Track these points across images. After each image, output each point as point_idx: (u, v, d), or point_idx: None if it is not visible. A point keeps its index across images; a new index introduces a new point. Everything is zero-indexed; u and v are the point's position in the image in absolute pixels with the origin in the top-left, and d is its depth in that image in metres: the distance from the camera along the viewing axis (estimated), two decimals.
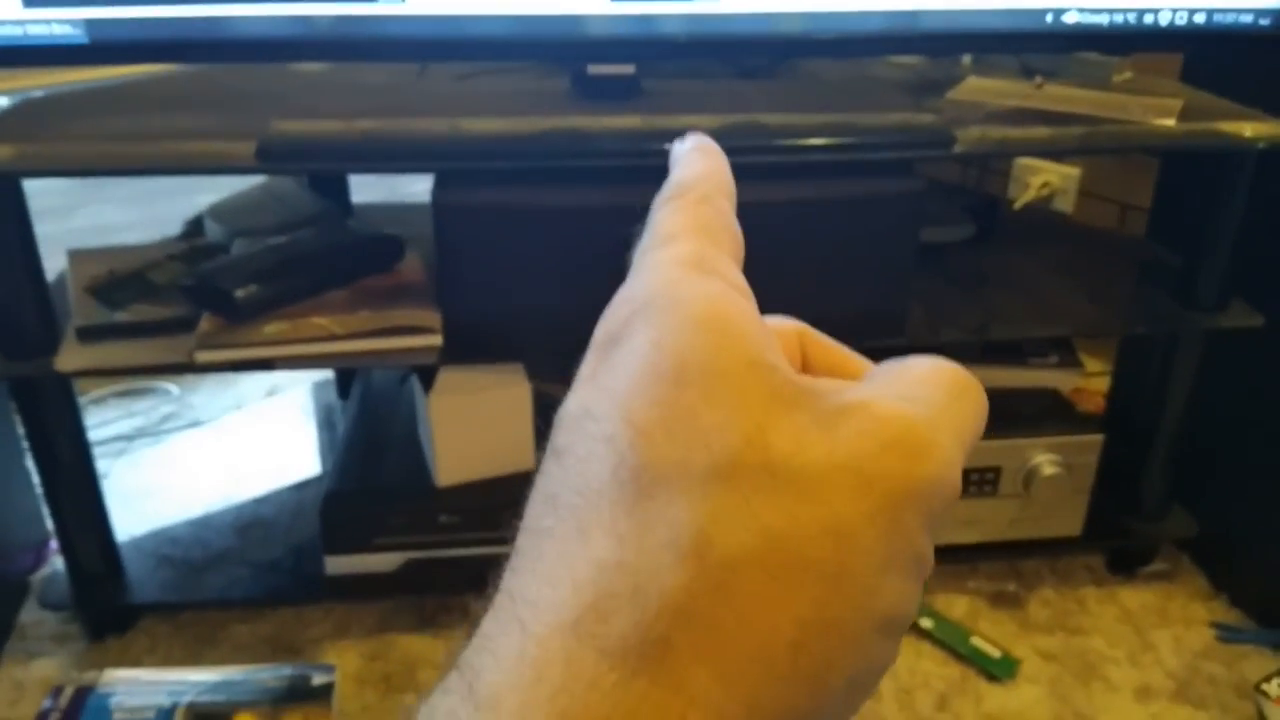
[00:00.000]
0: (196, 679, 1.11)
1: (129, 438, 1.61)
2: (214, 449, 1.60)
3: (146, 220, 2.07)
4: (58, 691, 1.09)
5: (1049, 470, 1.23)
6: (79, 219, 2.26)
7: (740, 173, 0.28)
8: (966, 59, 1.31)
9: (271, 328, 1.06)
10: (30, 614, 1.27)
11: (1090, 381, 1.47)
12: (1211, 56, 1.22)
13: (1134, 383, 1.38)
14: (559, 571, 0.20)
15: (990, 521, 1.27)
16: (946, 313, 1.18)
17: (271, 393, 1.74)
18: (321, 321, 1.07)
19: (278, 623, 1.26)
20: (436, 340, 1.08)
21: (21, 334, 1.07)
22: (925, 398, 0.22)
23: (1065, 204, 1.53)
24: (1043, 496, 1.24)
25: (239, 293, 1.06)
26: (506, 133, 1.02)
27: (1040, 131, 1.06)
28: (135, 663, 1.20)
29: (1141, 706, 1.17)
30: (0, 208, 1.02)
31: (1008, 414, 1.23)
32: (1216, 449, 1.32)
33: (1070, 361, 1.33)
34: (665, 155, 0.29)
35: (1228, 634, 1.26)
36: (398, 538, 1.21)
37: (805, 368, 0.27)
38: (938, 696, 1.17)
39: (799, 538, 0.19)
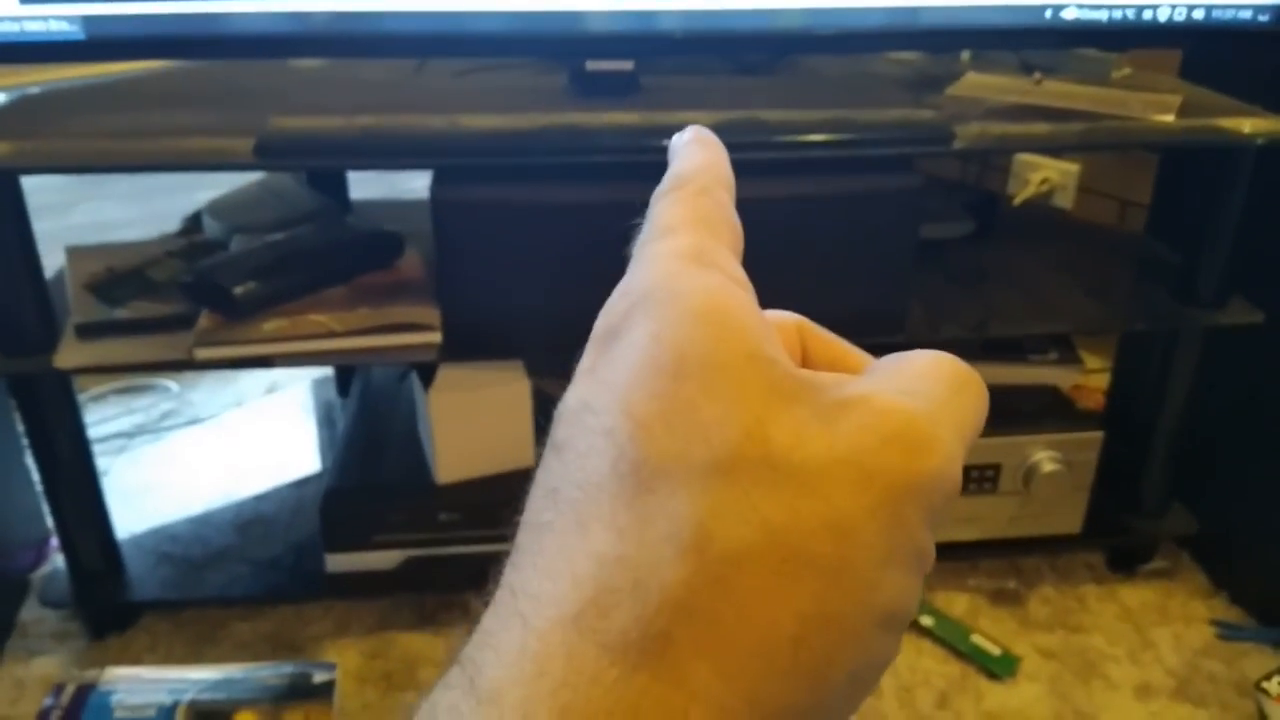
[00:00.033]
0: (197, 677, 1.11)
1: (129, 435, 1.61)
2: (214, 446, 1.60)
3: (145, 217, 2.06)
4: (59, 689, 1.09)
5: (1049, 467, 1.23)
6: (77, 216, 2.25)
7: (739, 169, 0.28)
8: (966, 55, 1.30)
9: (271, 325, 1.06)
10: (31, 612, 1.27)
11: (1090, 378, 1.47)
12: (1210, 52, 1.22)
13: (1134, 380, 1.38)
14: (559, 566, 0.20)
15: (990, 519, 1.27)
16: (946, 310, 1.18)
17: (271, 390, 1.74)
18: (321, 318, 1.06)
19: (278, 620, 1.26)
20: (436, 337, 1.08)
21: (20, 331, 1.07)
22: (926, 392, 0.22)
23: (1065, 200, 1.53)
24: (1042, 494, 1.24)
25: (238, 290, 1.06)
26: (505, 129, 1.02)
27: (1039, 128, 1.06)
28: (136, 661, 1.19)
29: (1141, 704, 1.17)
30: None
31: (1007, 411, 1.23)
32: (1216, 446, 1.32)
33: (1070, 358, 1.33)
34: (664, 151, 0.29)
35: (1228, 632, 1.26)
36: (398, 535, 1.21)
37: (805, 361, 0.27)
38: (938, 694, 1.17)
39: (800, 532, 0.19)
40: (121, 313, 1.11)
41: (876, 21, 1.02)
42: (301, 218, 1.26)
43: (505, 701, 0.19)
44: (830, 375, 0.22)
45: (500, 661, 0.19)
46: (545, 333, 1.09)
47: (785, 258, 0.99)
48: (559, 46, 1.07)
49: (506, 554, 0.22)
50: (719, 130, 0.29)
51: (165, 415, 1.67)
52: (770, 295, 0.24)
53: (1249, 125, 1.06)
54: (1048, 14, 1.03)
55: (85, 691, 1.09)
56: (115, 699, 1.08)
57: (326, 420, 1.63)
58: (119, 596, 1.25)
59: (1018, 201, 1.47)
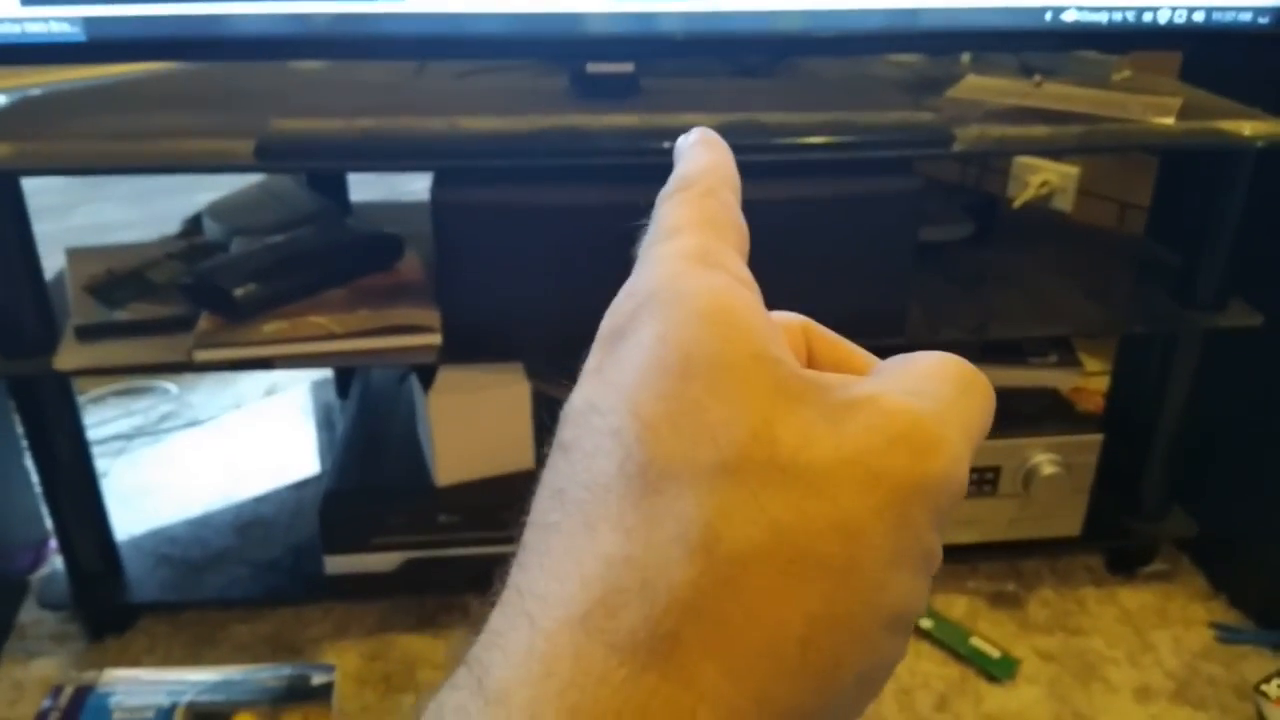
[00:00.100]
0: (196, 679, 1.11)
1: (128, 437, 1.61)
2: (213, 448, 1.60)
3: (145, 219, 2.06)
4: (57, 691, 1.09)
5: (1048, 470, 1.23)
6: (77, 217, 2.25)
7: (739, 171, 0.28)
8: (965, 57, 1.31)
9: (270, 327, 1.06)
10: (29, 613, 1.27)
11: (1089, 381, 1.47)
12: (1211, 55, 1.22)
13: (1133, 382, 1.38)
14: (567, 566, 0.20)
15: (990, 521, 1.27)
16: (945, 312, 1.18)
17: (270, 392, 1.74)
18: (320, 320, 1.06)
19: (277, 622, 1.26)
20: (435, 339, 1.08)
21: (20, 333, 1.07)
22: (932, 393, 0.22)
23: (1064, 203, 1.53)
24: (1042, 496, 1.24)
25: (238, 291, 1.06)
26: (505, 131, 1.02)
27: (1039, 130, 1.06)
28: (135, 662, 1.19)
29: (1141, 707, 1.17)
30: None
31: (1007, 413, 1.22)
32: (1216, 448, 1.32)
33: (1069, 361, 1.33)
34: (664, 153, 0.29)
35: (1227, 634, 1.26)
36: (397, 537, 1.21)
37: (810, 362, 0.27)
38: (937, 697, 1.17)
39: (807, 533, 0.19)
40: (121, 314, 1.11)
41: (876, 24, 1.03)
42: (301, 220, 1.26)
43: (513, 702, 0.19)
44: (836, 376, 0.22)
45: (508, 662, 0.19)
46: (545, 335, 1.09)
47: (785, 260, 0.99)
48: (559, 48, 1.07)
49: (512, 554, 0.22)
50: (719, 132, 0.29)
51: (164, 417, 1.67)
52: (770, 297, 0.24)
53: (1249, 128, 1.06)
54: (1048, 16, 1.03)
55: (84, 693, 1.09)
56: (114, 701, 1.08)
57: (326, 422, 1.63)
58: (118, 598, 1.25)
59: (1017, 204, 1.47)
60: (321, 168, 1.29)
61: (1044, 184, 1.51)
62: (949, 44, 1.19)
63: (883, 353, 0.26)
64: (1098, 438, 1.25)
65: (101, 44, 0.95)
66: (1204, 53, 1.22)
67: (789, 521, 0.19)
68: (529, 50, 1.10)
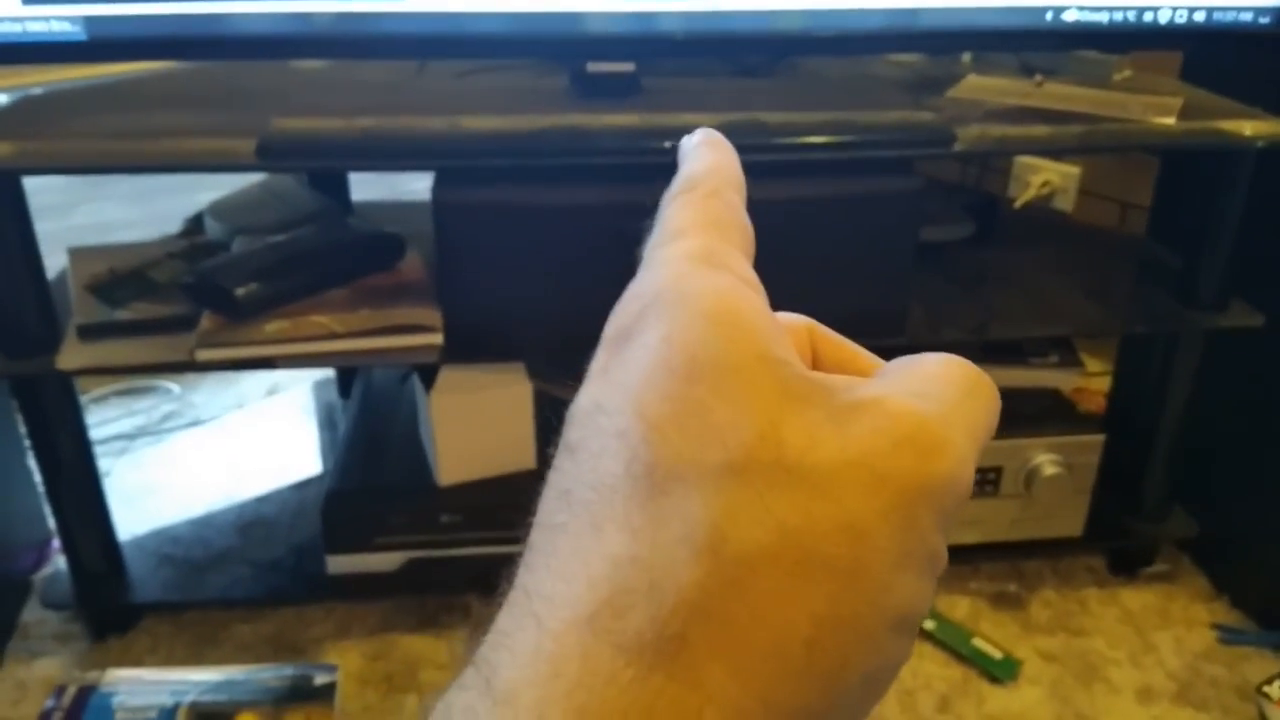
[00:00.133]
0: (199, 678, 1.11)
1: (130, 436, 1.61)
2: (215, 448, 1.60)
3: (147, 218, 2.07)
4: (60, 691, 1.09)
5: (1050, 470, 1.23)
6: (79, 217, 2.25)
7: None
8: (966, 57, 1.31)
9: (272, 326, 1.06)
10: (32, 613, 1.27)
11: (1091, 381, 1.47)
12: (1211, 55, 1.22)
13: (1135, 382, 1.38)
14: (573, 567, 0.20)
15: (991, 522, 1.27)
16: (946, 312, 1.18)
17: (272, 391, 1.74)
18: (322, 320, 1.06)
19: (279, 622, 1.26)
20: (437, 339, 1.08)
21: (22, 332, 1.07)
22: (938, 394, 0.22)
23: (1065, 203, 1.53)
24: (1044, 497, 1.24)
25: (240, 291, 1.06)
26: (506, 130, 1.02)
27: (1040, 130, 1.06)
28: (137, 662, 1.19)
29: (1143, 708, 1.17)
30: (0, 205, 1.02)
31: (1008, 414, 1.20)
32: (1217, 449, 1.32)
33: (1071, 361, 1.33)
34: (665, 153, 0.29)
35: (1229, 635, 1.26)
36: (399, 537, 1.21)
37: (814, 363, 0.27)
38: (939, 698, 1.17)
39: (813, 534, 0.19)
40: (123, 314, 1.11)
41: (876, 23, 1.03)
42: (303, 219, 1.26)
43: (520, 702, 0.19)
44: (842, 378, 0.22)
45: (515, 662, 0.19)
46: (547, 334, 1.09)
47: (785, 259, 0.99)
48: (560, 48, 1.07)
49: (518, 555, 0.22)
50: (720, 132, 0.29)
51: (167, 417, 1.67)
52: (771, 296, 0.24)
53: (1250, 128, 1.06)
54: (1048, 16, 1.03)
55: (86, 693, 1.09)
56: (116, 700, 1.08)
57: (328, 422, 1.63)
58: (120, 598, 1.25)
59: (1018, 204, 1.47)
60: (323, 167, 1.29)
61: (1045, 184, 1.51)
62: (949, 44, 1.19)
63: (884, 353, 0.27)
64: (1099, 438, 1.25)
65: (102, 43, 0.95)
66: (1204, 53, 1.22)
67: (795, 523, 0.19)
68: (529, 50, 1.10)
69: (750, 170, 0.28)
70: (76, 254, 1.23)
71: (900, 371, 0.23)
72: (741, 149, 0.28)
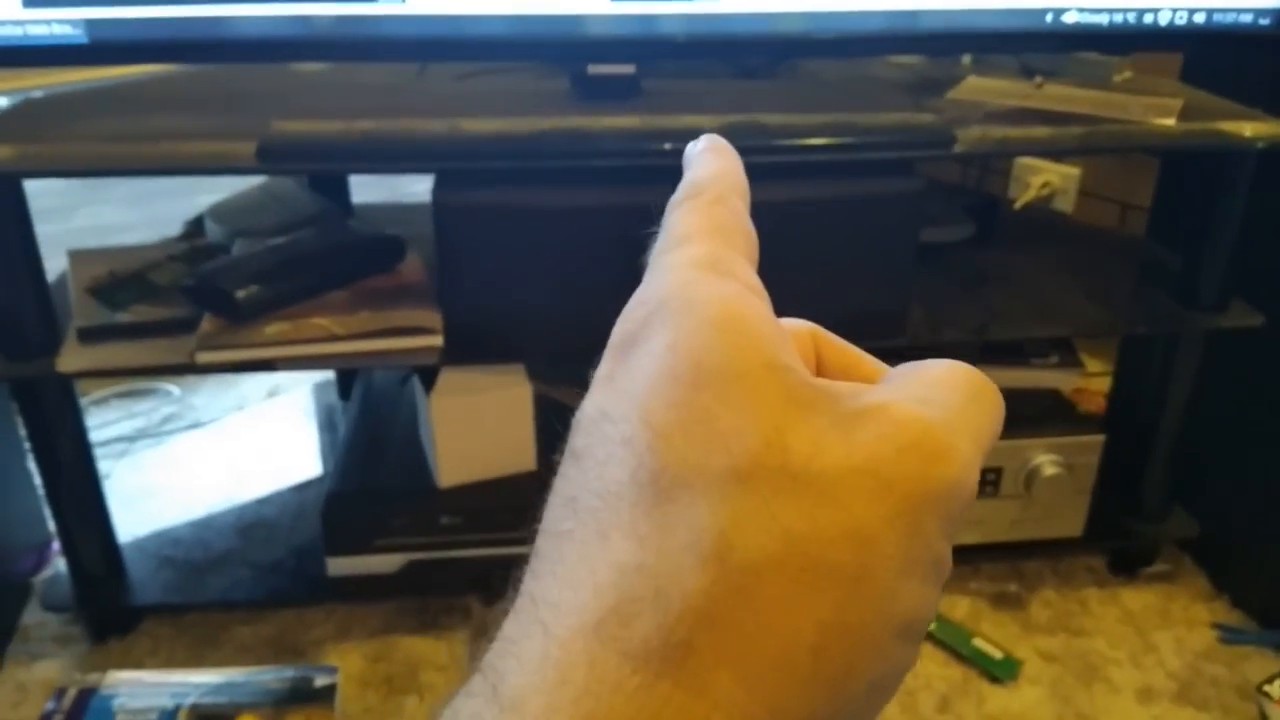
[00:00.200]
0: (199, 680, 1.11)
1: (130, 439, 1.61)
2: (215, 450, 1.60)
3: (147, 221, 2.07)
4: (60, 693, 1.09)
5: (1050, 471, 1.23)
6: (79, 219, 2.26)
7: None
8: (966, 59, 1.31)
9: (272, 328, 1.06)
10: (33, 616, 1.27)
11: (1091, 382, 1.47)
12: (1211, 56, 1.22)
13: (1135, 383, 1.38)
14: (580, 574, 0.20)
15: (992, 522, 1.27)
16: (946, 313, 1.18)
17: (273, 394, 1.74)
18: (322, 322, 1.07)
19: (280, 624, 1.26)
20: (437, 341, 1.08)
21: (22, 335, 1.07)
22: (942, 400, 0.22)
23: (1065, 204, 1.53)
24: (1044, 497, 1.24)
25: (240, 293, 1.06)
26: (506, 133, 1.02)
27: (1040, 131, 1.06)
28: (138, 664, 1.19)
29: (1143, 708, 1.17)
30: (1, 208, 1.02)
31: (1009, 414, 1.22)
32: (1217, 449, 1.32)
33: (1071, 361, 1.33)
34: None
35: (1230, 635, 1.26)
36: (399, 539, 1.21)
37: (819, 369, 0.27)
38: (939, 698, 1.17)
39: (819, 541, 0.19)
40: (123, 316, 1.11)
41: (877, 25, 1.03)
42: (303, 221, 1.26)
43: (528, 709, 0.19)
44: (847, 384, 0.22)
45: (522, 669, 0.19)
46: (547, 336, 1.09)
47: (786, 261, 0.99)
48: (561, 50, 1.07)
49: (522, 559, 0.22)
50: (720, 134, 0.29)
51: (167, 419, 1.67)
52: (772, 299, 0.24)
53: (1250, 129, 1.06)
54: (1048, 18, 1.03)
55: (87, 695, 1.09)
56: (117, 703, 1.08)
57: (328, 424, 1.63)
58: (121, 600, 1.25)
59: (1018, 205, 1.47)
60: (323, 169, 1.29)
61: (1045, 185, 1.51)
62: (950, 45, 1.19)
63: (885, 354, 0.27)
64: (1099, 438, 1.25)
65: (103, 46, 0.95)
66: (1205, 54, 1.22)
67: (801, 530, 0.19)
68: (530, 52, 1.10)
69: (751, 172, 0.28)
70: (77, 256, 1.23)
71: (905, 378, 0.23)
72: (742, 151, 0.28)
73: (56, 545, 1.27)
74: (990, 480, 1.24)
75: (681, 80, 1.20)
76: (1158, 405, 1.27)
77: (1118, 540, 1.35)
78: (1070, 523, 1.30)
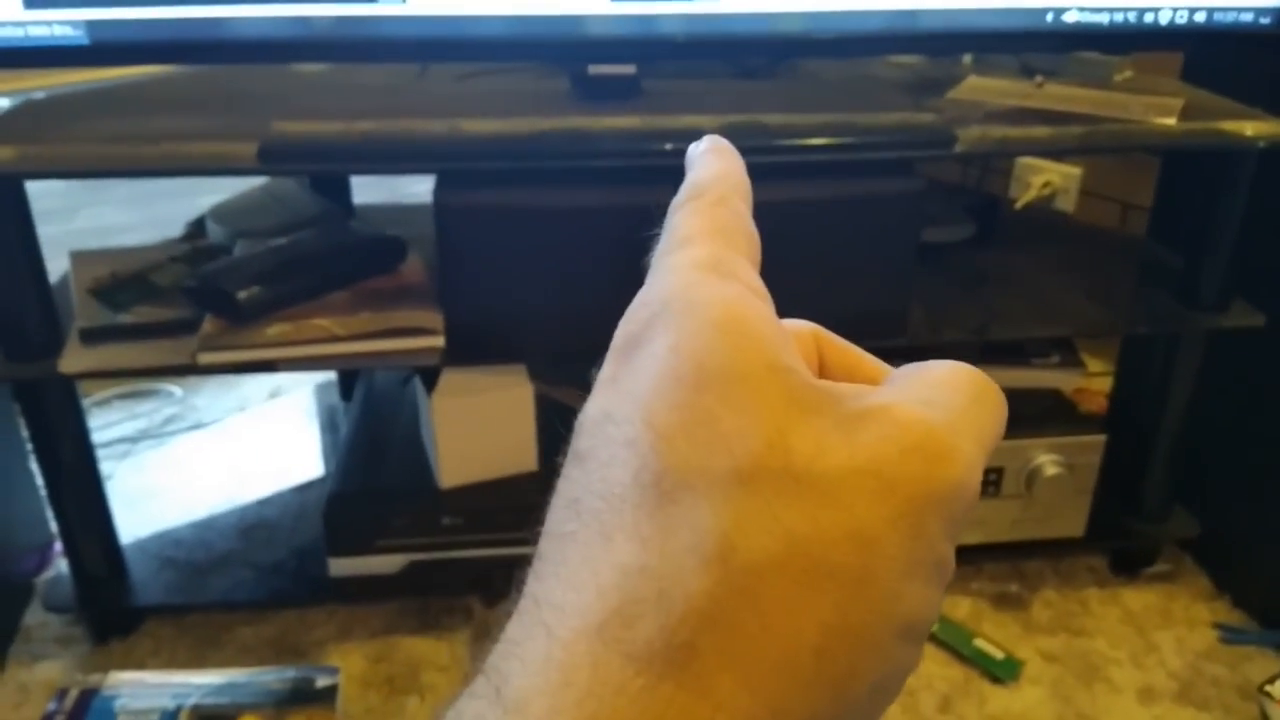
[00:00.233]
0: (201, 681, 1.11)
1: (132, 440, 1.61)
2: (217, 451, 1.60)
3: (148, 222, 2.07)
4: (62, 694, 1.09)
5: (1051, 471, 1.23)
6: (81, 220, 2.26)
7: None
8: (967, 58, 1.31)
9: (274, 329, 1.06)
10: (34, 616, 1.27)
11: (1092, 382, 1.47)
12: (1212, 55, 1.22)
13: (1136, 383, 1.38)
14: (583, 576, 0.20)
15: (993, 522, 1.27)
16: (947, 313, 1.18)
17: (274, 394, 1.74)
18: (324, 323, 1.07)
19: (282, 625, 1.26)
20: (438, 341, 1.08)
21: (24, 336, 1.07)
22: (945, 402, 0.22)
23: (1066, 203, 1.54)
24: (1045, 497, 1.24)
25: (241, 294, 1.06)
26: (507, 133, 1.02)
27: (1041, 131, 1.06)
28: (139, 665, 1.20)
29: (1144, 708, 1.17)
30: (2, 209, 1.02)
31: (1009, 414, 1.23)
32: (1219, 449, 1.32)
33: (1072, 361, 1.33)
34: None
35: (1231, 635, 1.26)
36: (401, 539, 1.21)
37: (821, 370, 0.27)
38: (940, 698, 1.17)
39: (822, 542, 0.19)
40: (125, 317, 1.11)
41: (876, 25, 1.03)
42: (304, 222, 1.26)
43: (531, 711, 0.19)
44: (850, 386, 0.22)
45: (525, 671, 0.19)
46: (548, 336, 1.09)
47: (787, 261, 0.99)
48: (561, 51, 1.07)
49: (527, 562, 0.22)
50: (720, 134, 0.29)
51: (169, 420, 1.67)
52: (773, 298, 0.24)
53: (1250, 128, 1.06)
54: (1049, 17, 1.03)
55: (89, 696, 1.09)
56: (119, 703, 1.08)
57: (329, 425, 1.63)
58: (122, 601, 1.25)
59: (1019, 205, 1.47)
60: (324, 170, 1.29)
61: (1046, 185, 1.51)
62: (949, 45, 1.19)
63: (886, 354, 0.27)
64: (1100, 438, 1.25)
65: (104, 47, 0.96)
66: (1205, 53, 1.22)
67: (804, 531, 0.19)
68: (530, 53, 1.11)
69: (751, 172, 0.28)
70: (78, 258, 1.23)
71: (907, 379, 0.23)
72: (743, 151, 0.29)
73: (58, 546, 1.27)
74: (991, 480, 1.24)
75: (682, 80, 1.20)
76: (1159, 405, 1.27)
77: (1119, 540, 1.35)
78: (1071, 523, 1.30)
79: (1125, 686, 1.19)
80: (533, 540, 0.22)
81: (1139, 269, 1.34)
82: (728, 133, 0.29)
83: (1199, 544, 1.36)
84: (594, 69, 1.08)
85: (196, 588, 1.27)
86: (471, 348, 1.09)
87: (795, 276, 1.00)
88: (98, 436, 1.33)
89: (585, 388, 0.23)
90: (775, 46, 1.14)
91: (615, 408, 0.22)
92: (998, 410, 0.23)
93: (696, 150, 0.28)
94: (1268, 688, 1.15)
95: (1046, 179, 1.51)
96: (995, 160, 1.62)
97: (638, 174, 0.94)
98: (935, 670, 1.21)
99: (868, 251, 1.10)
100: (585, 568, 0.20)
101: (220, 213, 1.32)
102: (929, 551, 0.20)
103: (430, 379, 1.19)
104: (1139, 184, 1.53)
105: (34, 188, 1.05)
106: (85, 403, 1.25)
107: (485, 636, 0.22)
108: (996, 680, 1.20)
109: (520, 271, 1.06)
